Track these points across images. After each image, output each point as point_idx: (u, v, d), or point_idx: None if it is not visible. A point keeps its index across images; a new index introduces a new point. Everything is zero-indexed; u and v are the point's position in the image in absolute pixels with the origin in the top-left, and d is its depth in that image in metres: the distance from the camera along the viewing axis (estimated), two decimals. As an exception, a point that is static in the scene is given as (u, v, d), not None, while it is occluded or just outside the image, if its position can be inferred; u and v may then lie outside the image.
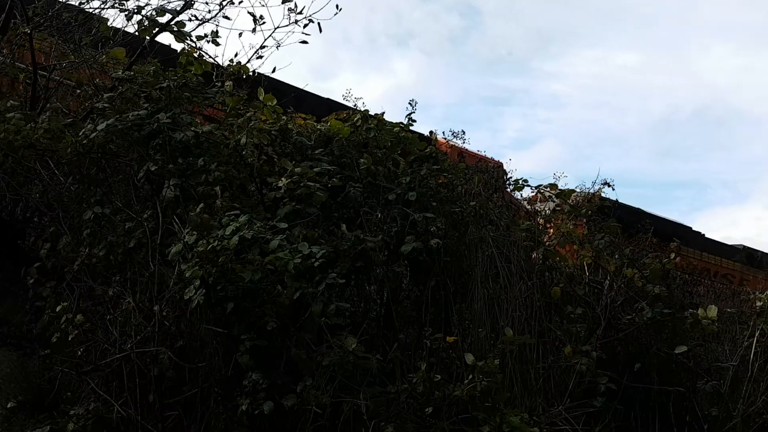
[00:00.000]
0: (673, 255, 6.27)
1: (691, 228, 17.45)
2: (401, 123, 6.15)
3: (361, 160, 5.51)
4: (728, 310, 6.38)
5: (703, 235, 17.86)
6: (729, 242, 18.10)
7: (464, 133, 6.69)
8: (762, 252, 19.17)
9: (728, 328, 6.70)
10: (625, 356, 6.06)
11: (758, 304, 6.22)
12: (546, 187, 6.76)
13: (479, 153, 13.62)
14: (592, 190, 6.89)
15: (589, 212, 6.67)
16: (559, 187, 6.82)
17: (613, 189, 6.87)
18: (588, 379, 5.71)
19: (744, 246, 19.23)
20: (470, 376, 4.96)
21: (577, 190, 6.99)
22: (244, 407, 4.38)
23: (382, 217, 5.51)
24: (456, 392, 4.92)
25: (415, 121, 6.23)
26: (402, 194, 5.80)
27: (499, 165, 14.60)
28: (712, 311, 5.62)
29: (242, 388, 4.51)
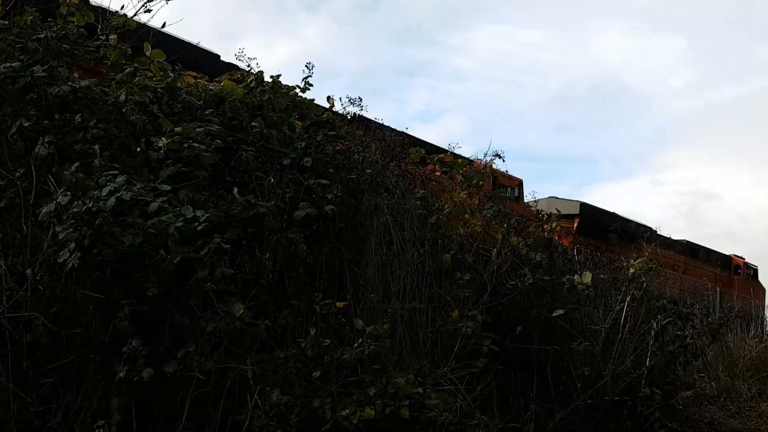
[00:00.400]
0: (554, 224, 6.59)
1: (652, 228, 19.92)
2: (297, 86, 6.04)
3: (254, 123, 5.38)
4: (602, 276, 6.79)
5: (657, 232, 20.38)
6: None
7: (361, 100, 6.67)
8: (701, 246, 22.52)
9: (604, 293, 7.16)
10: (509, 320, 6.34)
11: (630, 271, 6.66)
12: (441, 157, 6.90)
13: (509, 174, 16.61)
14: (484, 162, 7.09)
15: (481, 182, 6.87)
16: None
17: (504, 161, 7.13)
18: (473, 341, 5.95)
19: (687, 241, 22.52)
20: (359, 341, 5.05)
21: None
22: (122, 374, 4.25)
23: (275, 183, 5.43)
24: (345, 356, 5.00)
25: (311, 85, 6.14)
26: (297, 159, 5.73)
27: (521, 182, 17.35)
28: (587, 277, 5.97)
29: (121, 354, 4.37)
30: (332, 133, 5.98)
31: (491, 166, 7.09)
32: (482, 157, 7.20)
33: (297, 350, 4.91)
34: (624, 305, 6.41)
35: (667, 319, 6.31)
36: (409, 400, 4.77)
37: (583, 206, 18.42)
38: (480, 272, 6.54)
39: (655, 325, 6.23)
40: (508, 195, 17.28)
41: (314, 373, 4.88)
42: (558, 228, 6.65)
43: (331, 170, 6.09)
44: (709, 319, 7.13)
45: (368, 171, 6.14)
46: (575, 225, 18.10)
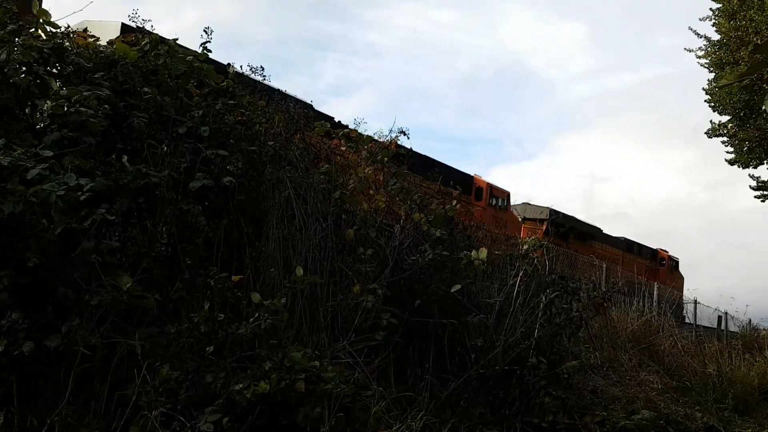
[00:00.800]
0: (454, 202, 6.76)
1: (599, 228, 24.67)
2: (195, 52, 5.82)
3: (146, 89, 5.16)
4: (496, 252, 7.05)
5: (602, 231, 25.11)
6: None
7: (263, 69, 6.47)
8: (635, 242, 25.70)
9: (501, 269, 7.45)
10: (409, 294, 6.46)
11: (524, 248, 6.95)
12: (346, 132, 6.90)
13: (500, 187, 20.26)
14: (389, 138, 7.15)
15: (386, 158, 6.93)
16: (360, 133, 7.02)
17: (408, 138, 7.21)
18: (374, 315, 6.04)
19: (624, 237, 25.98)
20: (256, 315, 5.02)
21: (376, 137, 7.19)
22: (1, 348, 4.03)
23: (169, 152, 5.24)
24: (240, 330, 4.96)
25: (210, 51, 5.93)
26: (194, 128, 5.56)
27: (509, 194, 20.28)
28: (483, 253, 6.18)
29: (0, 328, 4.14)
30: (232, 102, 5.83)
31: (396, 142, 7.15)
32: (387, 134, 7.24)
33: (190, 325, 4.81)
34: (517, 280, 6.68)
35: (555, 293, 6.62)
36: (305, 374, 4.79)
37: (552, 212, 21.03)
38: (383, 247, 6.63)
39: (543, 298, 6.54)
40: (499, 204, 19.69)
41: (207, 348, 4.82)
42: (458, 206, 6.83)
43: (232, 141, 5.95)
44: (595, 293, 7.55)
45: (270, 143, 6.04)
46: (545, 227, 20.64)
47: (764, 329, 18.99)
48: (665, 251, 30.19)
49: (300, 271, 5.63)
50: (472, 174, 19.93)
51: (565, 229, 21.33)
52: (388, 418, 5.12)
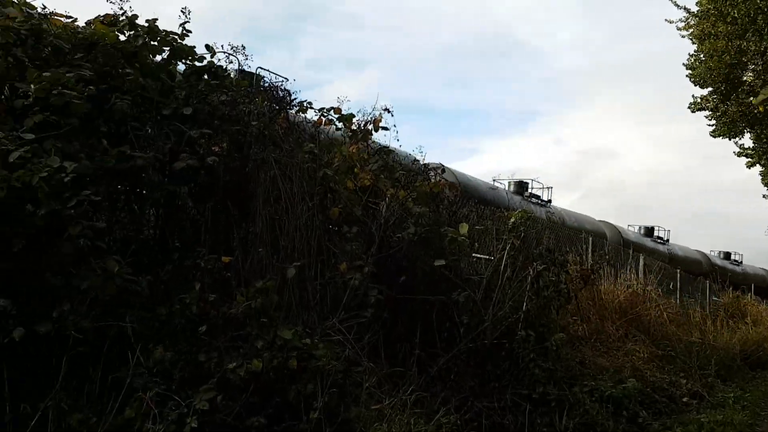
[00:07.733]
0: (438, 178, 6.77)
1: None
2: (174, 32, 5.73)
3: (128, 70, 5.08)
4: (477, 227, 7.06)
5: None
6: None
7: (244, 48, 6.38)
8: None
9: (488, 244, 7.50)
10: (397, 271, 6.50)
11: (511, 221, 6.99)
12: (329, 110, 6.86)
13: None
14: (372, 116, 7.11)
15: (369, 136, 6.91)
16: (343, 112, 6.98)
17: (393, 115, 7.17)
18: (362, 292, 6.07)
19: None
20: (246, 294, 5.03)
21: (359, 115, 7.15)
22: (-10, 336, 4.00)
23: (154, 134, 5.19)
24: (232, 310, 4.98)
25: (190, 31, 5.84)
26: (178, 109, 5.51)
27: None
28: (464, 228, 6.21)
29: (-12, 315, 4.10)
30: (215, 82, 5.77)
31: (380, 120, 7.12)
32: (370, 111, 7.20)
33: (181, 306, 4.81)
34: (504, 254, 6.73)
35: (543, 266, 6.69)
36: (296, 352, 4.82)
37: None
38: (368, 225, 6.65)
39: (531, 271, 6.60)
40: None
41: (200, 328, 4.83)
42: (442, 182, 6.83)
43: (216, 122, 5.91)
44: (582, 266, 7.64)
45: (255, 123, 6.00)
46: None
47: (746, 297, 19.35)
48: None
49: (292, 271, 5.60)
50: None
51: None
52: (380, 393, 5.17)
